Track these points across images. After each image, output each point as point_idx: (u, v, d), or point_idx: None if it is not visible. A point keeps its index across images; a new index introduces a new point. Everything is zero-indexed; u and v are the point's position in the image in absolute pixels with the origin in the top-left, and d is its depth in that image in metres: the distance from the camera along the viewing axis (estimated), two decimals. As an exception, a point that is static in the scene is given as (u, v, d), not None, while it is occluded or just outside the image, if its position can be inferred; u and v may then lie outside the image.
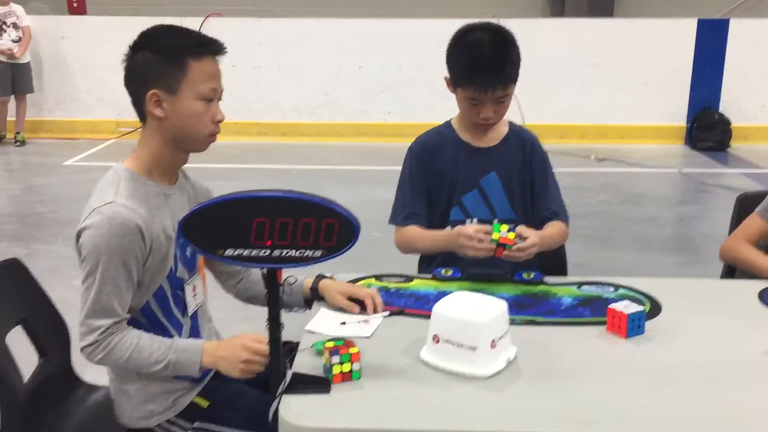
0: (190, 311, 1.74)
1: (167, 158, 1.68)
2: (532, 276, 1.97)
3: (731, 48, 7.94)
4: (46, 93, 8.30)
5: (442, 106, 8.36)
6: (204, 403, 1.68)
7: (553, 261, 2.27)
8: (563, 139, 7.57)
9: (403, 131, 7.87)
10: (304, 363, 1.52)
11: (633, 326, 1.65)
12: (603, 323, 1.70)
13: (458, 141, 2.17)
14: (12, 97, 7.75)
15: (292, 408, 1.36)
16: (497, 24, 2.07)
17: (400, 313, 1.78)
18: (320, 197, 1.35)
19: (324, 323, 1.72)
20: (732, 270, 2.29)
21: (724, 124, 7.87)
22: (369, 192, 5.41)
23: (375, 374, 1.48)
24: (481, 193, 2.17)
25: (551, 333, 1.70)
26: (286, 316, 1.47)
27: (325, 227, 1.35)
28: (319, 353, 1.54)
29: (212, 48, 1.63)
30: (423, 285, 1.96)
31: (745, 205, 2.35)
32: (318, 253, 1.37)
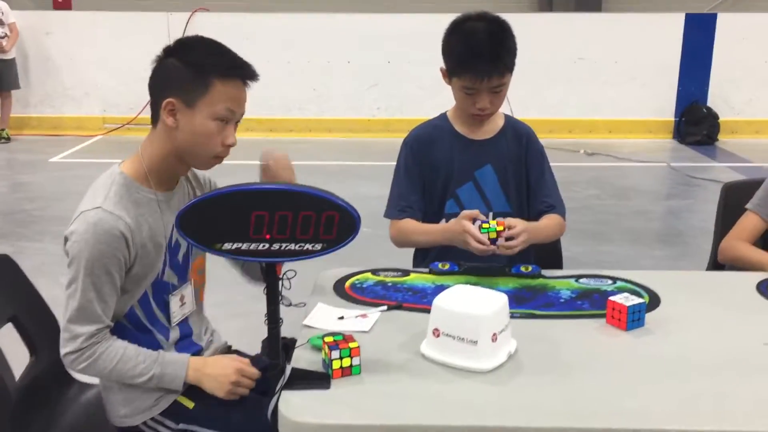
0: (174, 322, 1.71)
1: (167, 166, 1.65)
2: (529, 269, 1.95)
3: (719, 42, 7.99)
4: (31, 89, 8.22)
5: (431, 102, 8.36)
6: (189, 404, 1.66)
7: (548, 254, 2.26)
8: (552, 133, 7.57)
9: (392, 127, 7.87)
10: (303, 358, 1.50)
11: (633, 319, 1.64)
12: (602, 316, 1.69)
13: (454, 133, 2.16)
14: (-3, 93, 7.69)
15: (291, 404, 1.34)
16: (493, 14, 2.05)
17: (398, 307, 1.76)
18: (320, 189, 1.33)
19: (322, 318, 1.69)
20: (719, 262, 2.28)
21: (712, 118, 7.92)
22: (358, 187, 5.40)
23: (375, 369, 1.46)
24: (477, 185, 2.15)
25: (551, 326, 1.69)
26: (283, 311, 1.45)
27: (325, 220, 1.32)
28: (316, 348, 1.52)
29: (241, 72, 1.59)
30: (420, 279, 1.94)
31: (731, 195, 2.35)
32: (318, 247, 1.35)
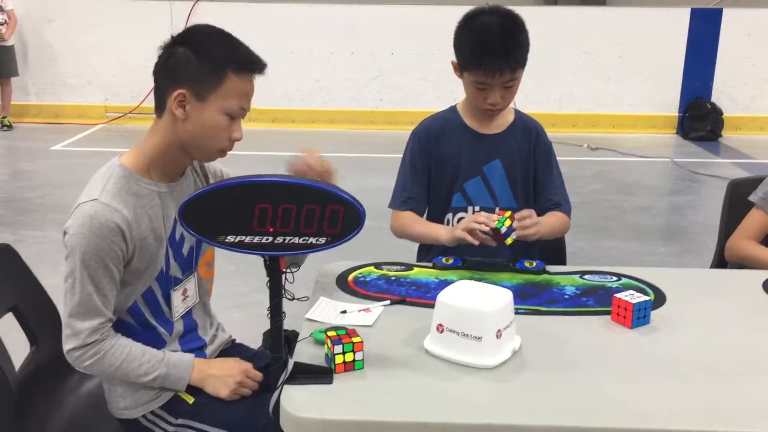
0: (176, 316, 1.69)
1: (171, 157, 1.62)
2: (534, 265, 1.94)
3: (724, 38, 7.95)
4: (32, 77, 8.19)
5: (434, 94, 8.36)
6: (189, 399, 1.65)
7: (552, 250, 2.24)
8: (555, 128, 7.54)
9: (394, 118, 7.84)
10: (305, 352, 1.49)
11: (639, 316, 1.63)
12: (607, 313, 1.68)
13: (463, 126, 2.14)
14: (-3, 80, 7.66)
15: (293, 399, 1.33)
16: (506, 8, 2.03)
17: (402, 302, 1.75)
18: (325, 183, 1.32)
19: (324, 312, 1.68)
20: (724, 259, 2.27)
21: (716, 113, 7.89)
22: (360, 179, 5.36)
23: (378, 364, 1.45)
24: (484, 180, 2.14)
25: (556, 322, 1.68)
26: (285, 304, 1.44)
27: (329, 214, 1.30)
28: (319, 342, 1.51)
29: (254, 67, 1.57)
30: (423, 273, 1.93)
31: (737, 192, 2.33)
32: (322, 241, 1.33)
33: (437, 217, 2.18)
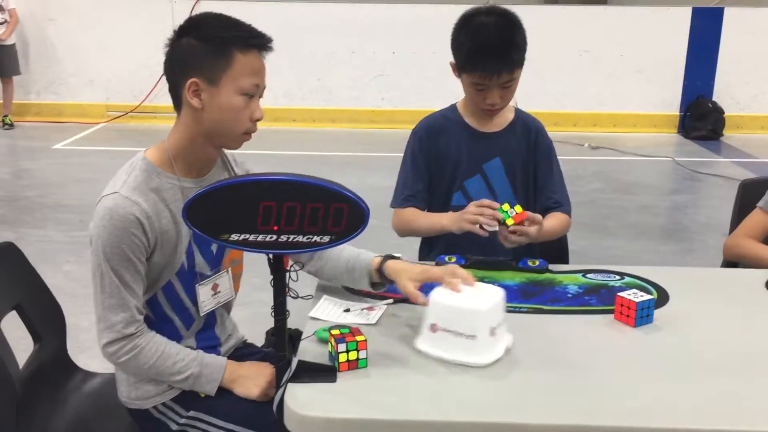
0: (204, 310, 1.68)
1: (195, 151, 1.61)
2: (537, 264, 1.94)
3: (725, 37, 7.95)
4: (33, 76, 8.19)
5: (436, 93, 8.32)
6: (201, 392, 1.65)
7: (555, 249, 2.24)
8: (556, 126, 7.53)
9: (396, 117, 7.84)
10: (308, 351, 1.49)
11: (642, 315, 1.63)
12: (610, 312, 1.68)
13: (463, 125, 2.14)
14: (-2, 79, 7.67)
15: (298, 397, 1.33)
16: (503, 7, 2.03)
17: (405, 300, 1.75)
18: (329, 181, 1.31)
19: (328, 310, 1.68)
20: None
21: (718, 113, 7.88)
22: (362, 178, 5.38)
23: (381, 363, 1.45)
24: (484, 178, 2.14)
25: (558, 321, 1.68)
26: (288, 303, 1.44)
27: (333, 212, 1.31)
28: (322, 341, 1.51)
29: (260, 42, 1.56)
30: (426, 272, 1.93)
31: (748, 192, 2.32)
32: (326, 239, 1.33)
33: (438, 216, 2.18)
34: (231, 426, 1.60)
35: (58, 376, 1.82)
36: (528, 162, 2.16)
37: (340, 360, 1.41)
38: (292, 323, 1.50)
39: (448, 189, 2.15)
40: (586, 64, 8.09)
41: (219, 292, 1.71)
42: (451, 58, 2.05)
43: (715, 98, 8.03)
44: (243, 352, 1.82)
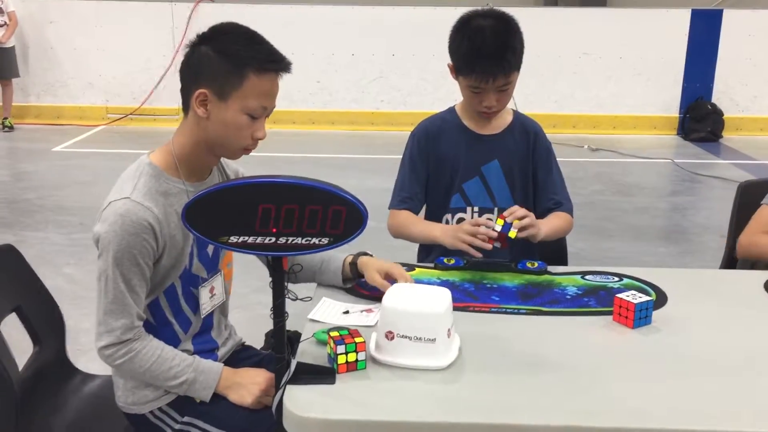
0: (204, 312, 1.69)
1: (197, 156, 1.62)
2: (535, 265, 1.94)
3: (724, 39, 7.96)
4: (33, 78, 8.20)
5: (435, 95, 8.34)
6: (197, 398, 1.65)
7: (553, 250, 2.25)
8: (556, 128, 7.56)
9: (395, 120, 7.85)
10: (307, 352, 1.49)
11: (640, 316, 1.63)
12: (609, 313, 1.68)
13: (461, 127, 2.15)
14: (-2, 81, 7.68)
15: (297, 399, 1.33)
16: (500, 10, 2.03)
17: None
18: (328, 183, 1.32)
19: (327, 312, 1.69)
20: (733, 260, 2.27)
21: (717, 114, 7.89)
22: (361, 180, 5.38)
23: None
24: (483, 180, 2.14)
25: (557, 323, 1.68)
26: (287, 305, 1.44)
27: (332, 215, 1.31)
28: (321, 342, 1.51)
29: (277, 67, 1.56)
30: (425, 274, 1.93)
31: (747, 194, 2.33)
32: (324, 241, 1.33)
33: (436, 218, 2.18)
34: None
35: (58, 378, 1.82)
36: (526, 164, 2.16)
37: (339, 362, 1.41)
38: (291, 325, 1.50)
39: (446, 191, 2.16)
40: (585, 66, 8.10)
41: (214, 294, 1.72)
42: (449, 60, 2.06)
43: (714, 100, 8.04)
44: (241, 356, 1.82)
